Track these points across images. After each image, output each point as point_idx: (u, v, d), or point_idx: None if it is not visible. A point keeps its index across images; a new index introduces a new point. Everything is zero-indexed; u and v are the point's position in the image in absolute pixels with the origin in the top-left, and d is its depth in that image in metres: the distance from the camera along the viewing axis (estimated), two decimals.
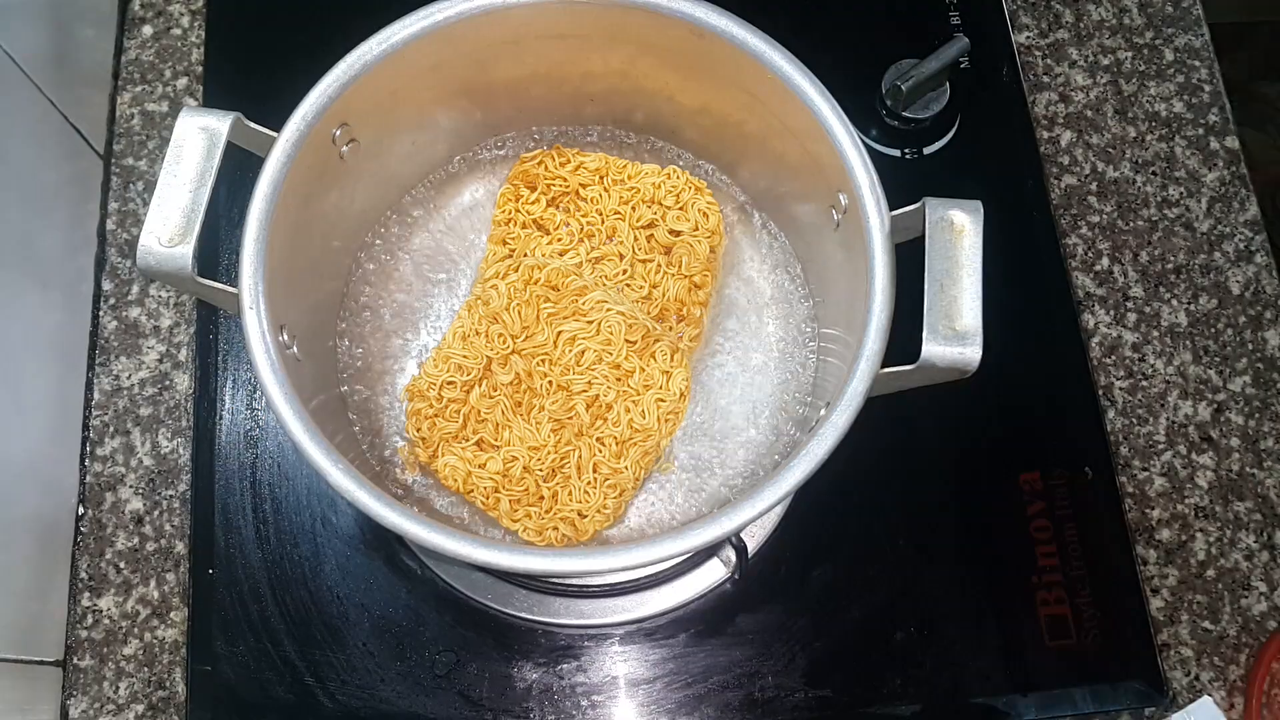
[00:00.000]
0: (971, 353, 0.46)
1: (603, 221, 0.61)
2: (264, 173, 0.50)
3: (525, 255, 0.59)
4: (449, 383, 0.57)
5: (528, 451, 0.57)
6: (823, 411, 0.49)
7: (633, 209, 0.61)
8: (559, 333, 0.58)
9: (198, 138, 0.49)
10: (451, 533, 0.45)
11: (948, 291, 0.46)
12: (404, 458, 0.59)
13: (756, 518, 0.46)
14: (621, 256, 0.60)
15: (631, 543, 0.46)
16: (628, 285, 0.60)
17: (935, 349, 0.45)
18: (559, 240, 0.61)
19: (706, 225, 0.61)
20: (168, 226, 0.48)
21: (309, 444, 0.46)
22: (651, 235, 0.61)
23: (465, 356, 0.57)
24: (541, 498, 0.57)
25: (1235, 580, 0.65)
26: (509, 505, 0.57)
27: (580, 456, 0.57)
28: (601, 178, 0.62)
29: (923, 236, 0.48)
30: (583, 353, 0.57)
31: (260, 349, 0.47)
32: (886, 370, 0.47)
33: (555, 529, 0.57)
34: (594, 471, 0.57)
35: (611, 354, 0.57)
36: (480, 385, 0.58)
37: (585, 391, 0.57)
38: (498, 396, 0.57)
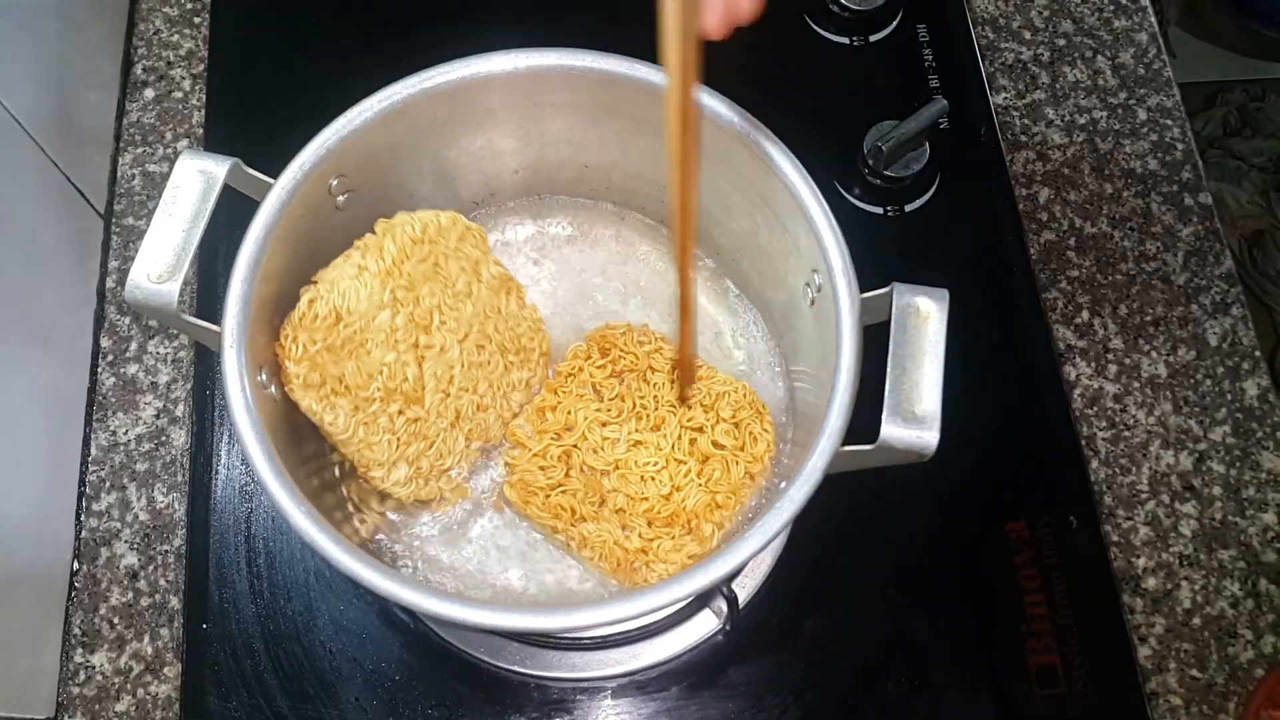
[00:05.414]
0: (929, 436, 0.46)
1: (655, 409, 0.60)
2: (258, 216, 0.51)
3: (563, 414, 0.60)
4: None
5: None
6: (782, 485, 0.49)
7: (688, 407, 0.60)
8: None
9: (195, 180, 0.50)
10: (417, 587, 0.45)
11: (910, 376, 0.47)
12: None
13: (709, 587, 0.46)
14: (659, 449, 0.59)
15: (560, 606, 0.46)
16: (653, 478, 0.59)
17: (894, 431, 0.46)
18: (608, 410, 0.60)
19: (753, 449, 0.59)
20: (158, 263, 0.49)
21: (269, 474, 0.47)
22: (695, 440, 0.59)
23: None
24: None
25: (1221, 628, 0.66)
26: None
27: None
28: (673, 369, 0.60)
29: (889, 321, 0.48)
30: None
31: (235, 386, 0.48)
32: (846, 449, 0.47)
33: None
34: None
35: None
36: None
37: None
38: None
